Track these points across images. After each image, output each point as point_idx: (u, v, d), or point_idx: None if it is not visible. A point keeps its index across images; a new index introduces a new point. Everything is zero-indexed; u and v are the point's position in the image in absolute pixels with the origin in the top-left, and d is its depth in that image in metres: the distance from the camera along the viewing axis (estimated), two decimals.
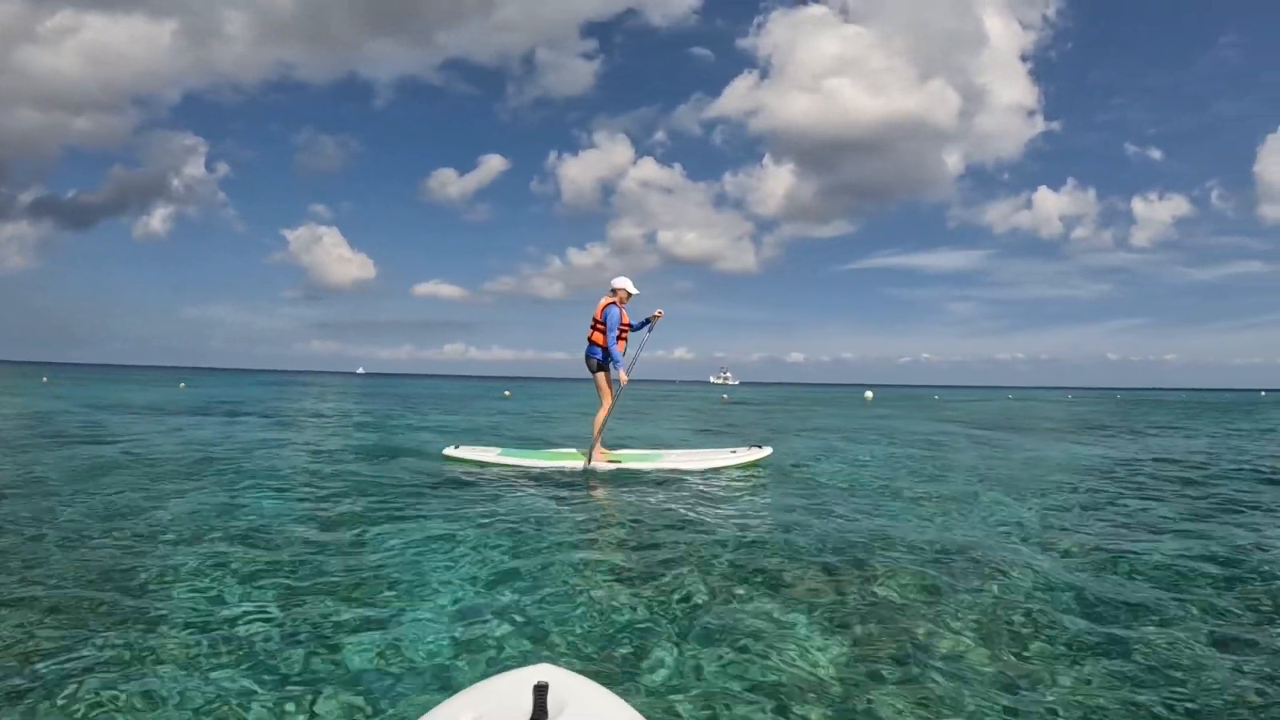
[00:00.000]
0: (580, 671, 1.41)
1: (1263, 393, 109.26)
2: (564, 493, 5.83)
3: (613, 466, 7.15)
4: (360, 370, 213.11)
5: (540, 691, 1.13)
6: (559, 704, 1.15)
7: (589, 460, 7.17)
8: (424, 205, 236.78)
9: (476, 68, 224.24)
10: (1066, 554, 3.88)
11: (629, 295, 7.25)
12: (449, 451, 7.82)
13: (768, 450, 7.75)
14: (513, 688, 1.21)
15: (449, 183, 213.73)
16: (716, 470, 7.17)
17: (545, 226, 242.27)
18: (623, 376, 7.19)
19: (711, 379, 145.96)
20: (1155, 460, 8.71)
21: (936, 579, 3.29)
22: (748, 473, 7.12)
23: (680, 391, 60.08)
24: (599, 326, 7.18)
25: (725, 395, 47.56)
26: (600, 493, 5.99)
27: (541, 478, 6.61)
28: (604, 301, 7.23)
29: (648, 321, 7.41)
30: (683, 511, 5.01)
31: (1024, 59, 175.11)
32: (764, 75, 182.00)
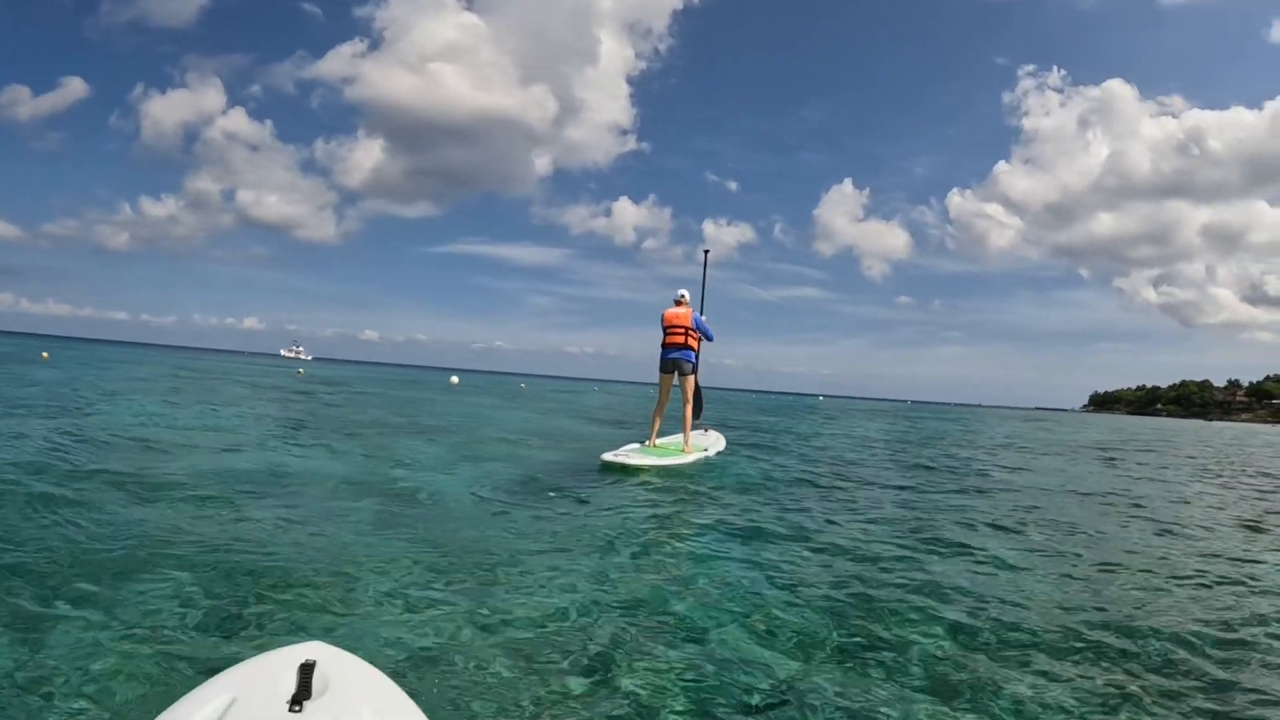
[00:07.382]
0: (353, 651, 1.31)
1: (820, 397, 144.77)
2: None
3: (701, 457, 7.91)
4: None
5: (306, 670, 1.12)
6: (324, 682, 1.13)
7: (689, 451, 7.88)
8: None
9: None
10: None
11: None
12: (608, 457, 7.26)
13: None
14: (278, 666, 1.17)
15: (21, 101, 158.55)
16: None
17: (119, 168, 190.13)
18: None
19: (283, 352, 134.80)
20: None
21: None
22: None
23: (249, 365, 50.97)
24: (693, 333, 7.93)
25: (300, 370, 42.47)
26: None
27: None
28: (686, 311, 8.07)
29: None
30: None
31: (629, 82, 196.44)
32: (374, 46, 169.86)
